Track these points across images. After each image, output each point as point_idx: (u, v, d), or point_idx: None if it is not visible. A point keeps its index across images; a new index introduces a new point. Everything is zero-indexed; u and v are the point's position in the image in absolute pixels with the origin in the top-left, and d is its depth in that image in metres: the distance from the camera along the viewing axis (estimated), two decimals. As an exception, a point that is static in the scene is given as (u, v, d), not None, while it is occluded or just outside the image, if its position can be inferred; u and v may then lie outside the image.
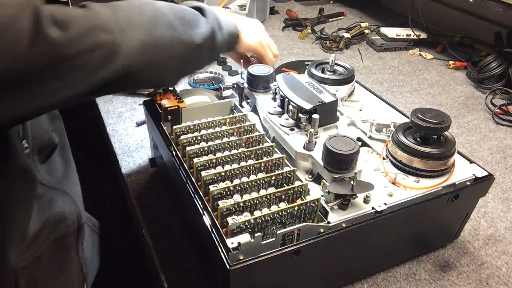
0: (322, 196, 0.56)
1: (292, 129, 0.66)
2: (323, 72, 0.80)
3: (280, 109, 0.70)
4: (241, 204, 0.52)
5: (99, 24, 0.47)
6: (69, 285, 0.63)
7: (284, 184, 0.57)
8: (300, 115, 0.65)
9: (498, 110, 1.06)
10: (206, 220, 0.52)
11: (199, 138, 0.63)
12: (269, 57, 0.76)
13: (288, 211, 0.51)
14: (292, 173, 0.57)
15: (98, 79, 0.47)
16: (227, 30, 0.66)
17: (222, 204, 0.51)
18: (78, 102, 0.51)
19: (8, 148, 0.52)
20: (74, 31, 0.44)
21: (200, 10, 0.63)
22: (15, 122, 0.48)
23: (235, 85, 0.76)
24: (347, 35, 1.41)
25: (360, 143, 0.59)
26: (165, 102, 0.67)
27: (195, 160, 0.58)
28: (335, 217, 0.54)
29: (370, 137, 0.69)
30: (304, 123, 0.66)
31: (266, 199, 0.53)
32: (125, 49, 0.49)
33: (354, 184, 0.53)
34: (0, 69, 0.40)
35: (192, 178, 0.57)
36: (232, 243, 0.47)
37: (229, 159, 0.59)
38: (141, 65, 0.52)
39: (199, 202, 0.54)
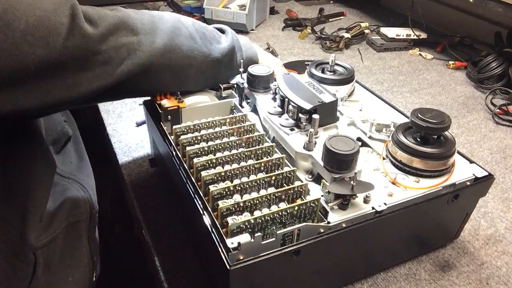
0: (322, 196, 0.56)
1: (292, 129, 0.66)
2: (323, 72, 0.80)
3: (280, 109, 0.70)
4: (241, 204, 0.52)
5: (127, 25, 0.53)
6: (80, 271, 0.64)
7: (284, 184, 0.57)
8: (300, 115, 0.65)
9: (498, 110, 1.06)
10: (206, 220, 0.52)
11: (199, 138, 0.63)
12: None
13: (288, 211, 0.51)
14: (292, 173, 0.57)
15: (122, 73, 0.52)
16: (247, 54, 0.73)
17: (222, 204, 0.51)
18: (101, 98, 0.56)
19: (33, 134, 0.57)
20: (104, 29, 0.49)
21: (222, 31, 0.70)
22: (48, 109, 0.53)
23: (235, 85, 0.76)
24: (347, 35, 1.41)
25: (360, 143, 0.59)
26: (165, 102, 0.67)
27: (195, 160, 0.58)
28: (335, 217, 0.54)
29: (370, 137, 0.69)
30: (304, 123, 0.66)
31: (266, 199, 0.53)
32: (147, 48, 0.55)
33: (354, 184, 0.53)
34: (37, 58, 0.44)
35: (192, 178, 0.57)
36: (232, 243, 0.47)
37: (229, 159, 0.59)
38: (160, 66, 0.57)
39: (199, 202, 0.54)
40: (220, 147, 0.61)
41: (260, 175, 0.57)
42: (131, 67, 0.53)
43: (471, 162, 0.65)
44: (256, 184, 0.56)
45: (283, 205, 0.53)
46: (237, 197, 0.54)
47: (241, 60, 0.71)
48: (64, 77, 0.47)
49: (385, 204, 0.56)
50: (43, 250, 0.56)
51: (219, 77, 0.70)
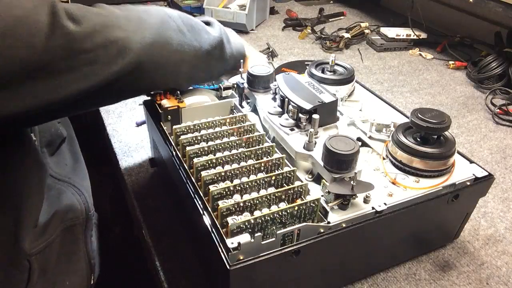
0: (322, 196, 0.56)
1: (292, 129, 0.66)
2: (323, 72, 0.80)
3: (280, 109, 0.70)
4: (241, 204, 0.52)
5: (113, 22, 0.50)
6: (78, 275, 0.64)
7: (284, 184, 0.57)
8: (300, 115, 0.65)
9: (498, 110, 1.06)
10: (206, 220, 0.52)
11: (199, 138, 0.63)
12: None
13: (288, 211, 0.51)
14: (292, 173, 0.57)
15: (111, 73, 0.50)
16: (235, 46, 0.69)
17: (222, 204, 0.51)
18: (94, 102, 0.54)
19: (23, 139, 0.55)
20: (89, 26, 0.47)
21: (208, 23, 0.67)
22: (40, 114, 0.50)
23: (235, 85, 0.76)
24: (347, 35, 1.41)
25: (360, 143, 0.59)
26: (165, 102, 0.67)
27: (195, 160, 0.58)
28: (335, 217, 0.54)
29: (370, 137, 0.69)
30: (304, 123, 0.66)
31: (266, 199, 0.53)
32: (136, 46, 0.52)
33: (354, 184, 0.53)
34: (20, 60, 0.42)
35: (192, 178, 0.57)
36: (232, 243, 0.47)
37: (229, 159, 0.59)
38: (151, 64, 0.55)
39: (199, 202, 0.54)
40: (220, 147, 0.61)
41: (260, 175, 0.57)
42: (121, 65, 0.50)
43: (471, 162, 0.65)
44: (256, 184, 0.56)
45: (283, 205, 0.53)
46: (237, 197, 0.54)
47: (232, 53, 0.69)
48: (50, 78, 0.45)
49: (385, 204, 0.56)
50: (38, 257, 0.56)
51: (211, 70, 0.67)
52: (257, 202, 0.53)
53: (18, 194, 0.53)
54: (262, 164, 0.58)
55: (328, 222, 0.53)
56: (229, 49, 0.68)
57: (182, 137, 0.62)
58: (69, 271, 0.62)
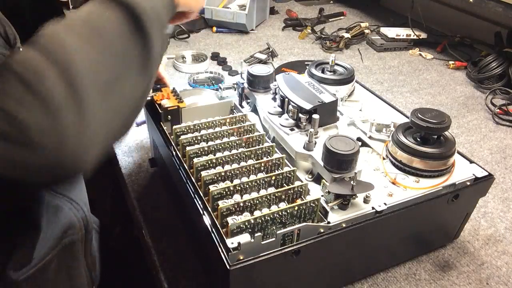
0: (322, 196, 0.56)
1: (292, 129, 0.66)
2: (323, 72, 0.80)
3: (280, 109, 0.70)
4: (241, 204, 0.52)
5: (49, 105, 0.35)
6: None
7: (284, 184, 0.57)
8: (300, 115, 0.65)
9: (498, 110, 1.06)
10: (206, 220, 0.52)
11: (199, 138, 0.63)
12: (197, 12, 0.61)
13: (288, 211, 0.51)
14: (292, 173, 0.57)
15: (40, 164, 0.37)
16: (167, 11, 0.51)
17: (222, 204, 0.51)
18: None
19: None
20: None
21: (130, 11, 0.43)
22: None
23: (235, 85, 0.76)
24: (347, 35, 1.41)
25: (360, 143, 0.59)
26: (165, 102, 0.67)
27: (195, 160, 0.58)
28: (335, 217, 0.54)
29: (370, 137, 0.69)
30: (304, 123, 0.66)
31: (266, 199, 0.53)
32: (73, 139, 0.37)
33: (354, 184, 0.53)
34: None
35: (192, 178, 0.57)
36: (232, 243, 0.47)
37: (229, 159, 0.59)
38: (98, 144, 0.40)
39: (199, 202, 0.54)
40: (220, 147, 0.61)
41: (260, 175, 0.57)
42: (52, 159, 0.37)
43: (471, 162, 0.65)
44: (256, 184, 0.56)
45: (283, 205, 0.53)
46: (237, 197, 0.54)
47: (168, 18, 0.51)
48: None
49: (385, 204, 0.56)
50: (30, 281, 0.54)
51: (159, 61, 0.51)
52: (257, 202, 0.53)
53: (12, 228, 0.52)
54: (262, 164, 0.58)
55: (328, 222, 0.53)
56: (165, 22, 0.50)
57: (182, 137, 0.62)
58: (70, 287, 0.62)
